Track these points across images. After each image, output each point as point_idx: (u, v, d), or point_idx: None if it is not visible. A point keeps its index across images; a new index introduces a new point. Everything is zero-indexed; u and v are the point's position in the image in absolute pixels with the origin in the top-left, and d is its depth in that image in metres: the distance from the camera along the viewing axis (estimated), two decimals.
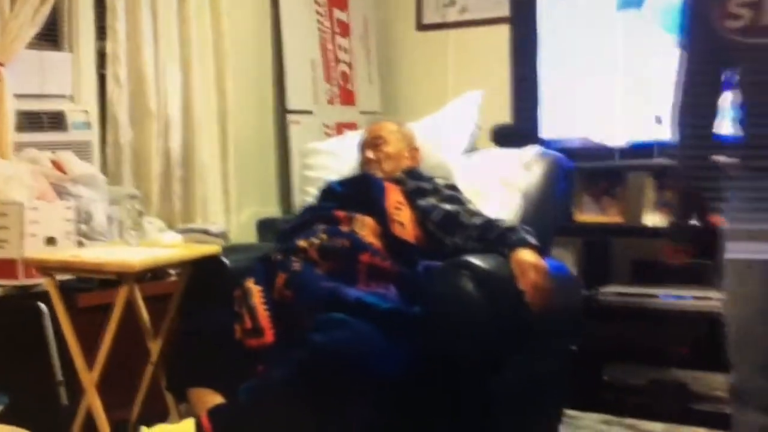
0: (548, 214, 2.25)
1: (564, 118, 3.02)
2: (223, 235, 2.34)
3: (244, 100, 3.11)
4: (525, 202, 2.24)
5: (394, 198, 2.12)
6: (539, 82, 3.03)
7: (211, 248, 2.12)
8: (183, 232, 2.37)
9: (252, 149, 3.18)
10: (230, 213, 2.98)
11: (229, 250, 2.15)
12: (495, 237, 1.94)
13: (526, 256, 1.85)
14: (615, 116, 2.91)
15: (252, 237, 2.65)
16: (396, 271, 1.90)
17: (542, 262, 1.86)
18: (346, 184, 2.21)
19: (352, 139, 2.48)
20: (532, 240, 1.91)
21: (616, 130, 2.91)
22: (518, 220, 2.17)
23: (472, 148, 2.51)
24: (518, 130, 2.82)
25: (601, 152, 2.89)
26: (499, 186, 2.28)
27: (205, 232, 2.33)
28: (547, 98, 3.03)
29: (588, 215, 2.94)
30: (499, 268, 1.84)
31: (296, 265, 1.86)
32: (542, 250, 1.90)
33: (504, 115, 3.10)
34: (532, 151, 2.35)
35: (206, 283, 2.04)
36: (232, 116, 2.98)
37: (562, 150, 2.42)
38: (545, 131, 3.01)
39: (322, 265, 1.88)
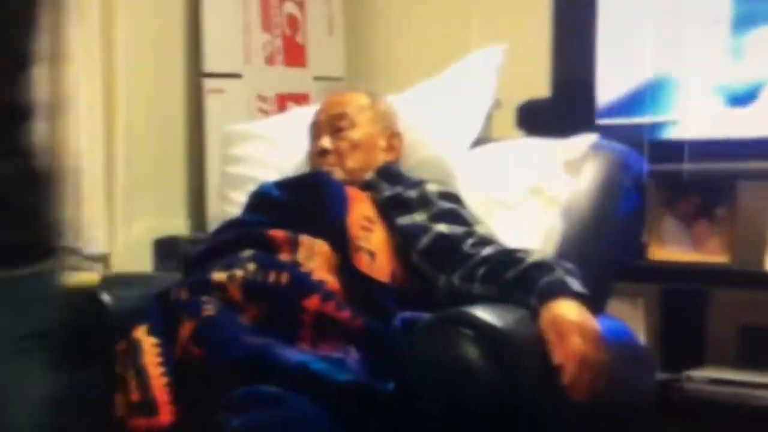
0: (605, 244, 2.23)
1: (636, 92, 2.93)
2: (102, 259, 2.42)
3: (139, 56, 3.15)
4: (568, 224, 2.22)
5: (361, 212, 2.12)
6: (597, 33, 2.95)
7: (84, 278, 2.18)
8: None
9: (149, 132, 3.22)
10: (115, 226, 3.03)
11: (111, 281, 2.19)
12: (516, 277, 1.92)
13: (565, 310, 1.82)
14: (721, 91, 2.85)
15: (146, 263, 2.73)
16: (359, 325, 1.89)
17: (591, 322, 1.82)
18: (289, 188, 2.21)
19: (301, 118, 2.48)
20: (576, 286, 1.87)
21: (723, 113, 2.84)
22: (555, 252, 2.15)
23: (485, 137, 2.50)
24: (560, 109, 2.78)
25: (697, 148, 2.80)
26: (526, 197, 2.27)
27: (76, 252, 2.35)
28: (608, 60, 2.96)
29: (671, 250, 2.88)
30: (519, 327, 1.82)
31: (209, 308, 1.87)
32: (593, 303, 1.87)
33: (538, 87, 3.01)
34: (581, 142, 2.33)
35: (74, 330, 1.97)
36: (121, 81, 3.05)
37: (632, 142, 2.40)
38: (604, 112, 2.95)
39: (248, 309, 1.90)
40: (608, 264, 2.23)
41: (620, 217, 2.27)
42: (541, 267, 1.91)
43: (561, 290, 1.85)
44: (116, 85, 3.07)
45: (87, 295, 2.07)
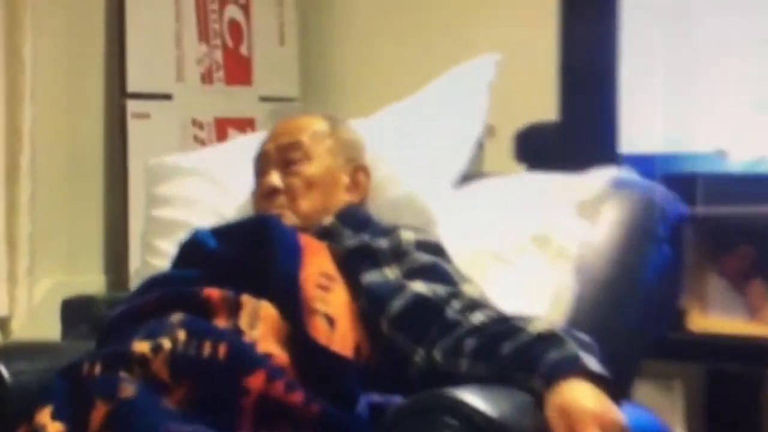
0: (630, 311, 2.20)
1: (670, 115, 2.94)
2: (1, 325, 2.62)
3: (48, 73, 3.24)
4: (581, 283, 2.18)
5: (317, 266, 2.07)
6: (619, 35, 2.92)
7: None
8: None
9: (59, 166, 3.31)
10: (16, 283, 3.12)
11: (11, 350, 2.20)
12: (515, 352, 1.84)
13: (579, 395, 1.73)
14: None
15: (53, 328, 2.60)
16: (314, 412, 1.84)
17: (613, 411, 1.73)
18: (228, 236, 2.17)
19: (244, 148, 2.46)
20: (593, 364, 1.78)
21: None
22: (565, 320, 2.10)
23: (475, 172, 2.49)
24: (571, 136, 2.78)
25: (752, 186, 2.79)
26: (527, 248, 2.24)
27: None
28: (633, 72, 2.93)
29: (718, 319, 2.80)
30: (518, 416, 1.74)
31: (128, 388, 1.82)
32: (615, 386, 1.78)
33: (542, 109, 2.98)
34: (598, 178, 2.31)
35: None
36: (26, 103, 3.13)
37: (665, 178, 2.41)
38: (628, 138, 2.93)
39: (176, 390, 1.84)
40: (634, 336, 2.18)
41: (650, 276, 2.22)
42: (548, 339, 1.83)
43: (573, 369, 1.76)
44: (20, 108, 3.15)
45: None
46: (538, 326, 1.86)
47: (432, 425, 1.69)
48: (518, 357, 1.82)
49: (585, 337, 1.84)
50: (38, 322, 2.96)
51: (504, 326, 1.88)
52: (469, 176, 2.43)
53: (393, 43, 3.56)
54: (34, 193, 3.15)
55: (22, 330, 3.03)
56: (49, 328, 2.65)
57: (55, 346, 2.32)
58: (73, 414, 1.82)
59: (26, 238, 3.13)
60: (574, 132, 2.78)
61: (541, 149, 2.49)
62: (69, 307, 2.52)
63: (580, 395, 1.72)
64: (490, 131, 2.50)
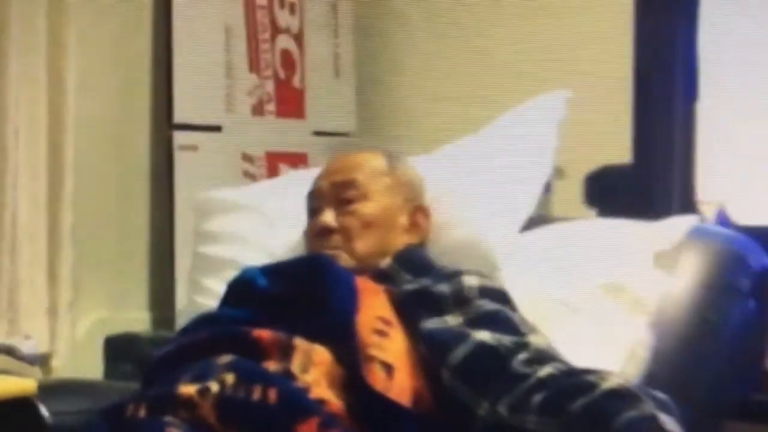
0: (711, 369, 2.18)
1: (752, 156, 2.96)
2: (41, 361, 2.58)
3: (93, 102, 3.24)
4: (658, 337, 2.16)
5: (375, 311, 2.06)
6: (698, 78, 2.95)
7: (19, 384, 2.16)
8: None
9: (103, 199, 3.33)
10: (58, 319, 3.11)
11: (52, 390, 2.18)
12: (586, 409, 1.81)
13: None
14: None
15: (95, 367, 2.65)
16: None
17: None
18: (280, 275, 2.15)
19: (297, 184, 2.44)
20: (671, 425, 1.75)
21: None
22: (641, 376, 2.09)
23: (543, 216, 2.49)
24: (646, 180, 2.77)
25: None
26: (599, 297, 2.22)
27: (9, 351, 2.43)
28: (713, 109, 2.98)
29: None
30: None
31: None
32: None
33: (615, 150, 3.04)
34: (676, 226, 2.29)
35: None
36: (70, 133, 3.13)
37: (749, 228, 2.48)
38: (708, 187, 2.96)
39: None
40: (715, 396, 2.16)
41: (732, 332, 2.21)
42: (622, 396, 1.80)
43: (651, 430, 1.73)
44: (63, 137, 3.12)
45: (21, 406, 2.04)
46: (611, 382, 1.83)
47: None
48: (590, 414, 1.79)
49: (662, 396, 1.81)
50: (80, 360, 2.97)
51: (574, 380, 1.86)
52: (537, 220, 2.41)
53: (457, 76, 3.56)
54: (77, 224, 3.14)
55: (63, 368, 3.01)
56: (91, 367, 2.71)
57: (98, 385, 2.35)
58: None
59: (68, 271, 3.11)
60: (649, 175, 2.80)
61: (613, 193, 2.53)
62: (112, 344, 2.60)
63: None
64: (559, 173, 2.52)
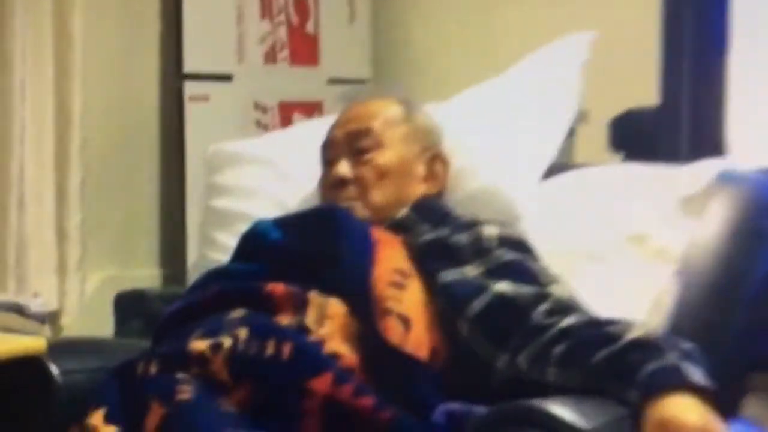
0: (738, 318, 2.14)
1: None
2: (50, 319, 2.60)
3: (101, 53, 3.27)
4: (684, 286, 2.13)
5: (391, 262, 2.06)
6: (729, 16, 2.90)
7: (28, 343, 2.16)
8: None
9: (112, 153, 3.34)
10: (66, 277, 3.14)
11: (61, 348, 2.17)
12: (609, 361, 1.81)
13: (681, 410, 1.70)
14: None
15: (105, 324, 2.62)
16: (385, 419, 1.82)
17: (720, 428, 1.70)
18: (293, 228, 2.16)
19: (310, 134, 2.45)
20: (698, 375, 1.74)
21: None
22: (666, 326, 2.05)
23: (566, 163, 2.47)
24: (673, 124, 2.72)
25: None
26: (624, 247, 2.20)
27: (18, 310, 2.47)
28: (746, 48, 2.94)
29: None
30: (612, 431, 1.72)
31: (185, 389, 1.82)
32: (721, 400, 1.74)
33: (641, 93, 2.99)
34: (703, 171, 2.26)
35: (15, 410, 2.05)
36: (77, 86, 3.15)
37: None
38: (738, 132, 2.93)
39: (235, 391, 1.85)
40: (742, 346, 2.12)
41: (761, 280, 2.15)
42: (646, 347, 1.79)
43: (675, 381, 1.72)
44: (70, 90, 3.16)
45: (30, 365, 2.05)
46: (635, 332, 1.82)
47: None
48: (612, 366, 1.79)
49: (688, 346, 1.80)
50: (89, 318, 2.99)
51: (596, 332, 1.85)
52: (559, 167, 2.40)
53: (476, 18, 3.54)
54: (85, 180, 3.15)
55: (72, 326, 3.04)
56: (100, 324, 2.68)
57: (108, 343, 2.34)
58: (127, 417, 1.83)
59: (76, 228, 3.13)
60: (677, 118, 2.75)
61: (639, 137, 2.47)
62: (122, 301, 2.55)
63: (682, 410, 1.68)
64: (582, 117, 2.49)
